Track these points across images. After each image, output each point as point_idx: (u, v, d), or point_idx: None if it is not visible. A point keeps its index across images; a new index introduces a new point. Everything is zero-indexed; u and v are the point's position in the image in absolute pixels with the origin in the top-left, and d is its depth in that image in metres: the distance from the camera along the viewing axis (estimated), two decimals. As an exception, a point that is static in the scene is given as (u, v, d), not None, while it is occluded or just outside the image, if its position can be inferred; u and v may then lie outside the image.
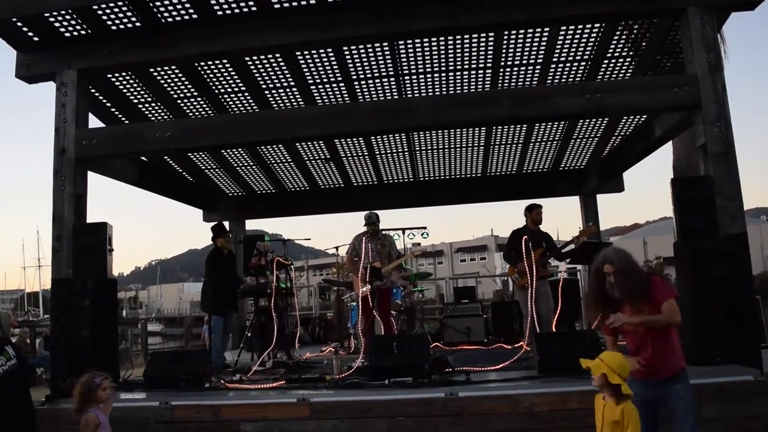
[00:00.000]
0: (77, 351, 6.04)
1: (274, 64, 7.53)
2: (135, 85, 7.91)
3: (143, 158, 9.22)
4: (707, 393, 4.70)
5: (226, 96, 8.29)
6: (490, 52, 7.46)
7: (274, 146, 9.78)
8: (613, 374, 3.42)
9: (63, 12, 6.19)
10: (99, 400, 4.46)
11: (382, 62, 7.59)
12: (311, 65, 7.58)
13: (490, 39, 7.17)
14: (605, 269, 3.84)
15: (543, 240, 8.18)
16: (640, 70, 7.73)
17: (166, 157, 9.88)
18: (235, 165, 10.63)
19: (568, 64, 7.78)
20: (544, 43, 7.30)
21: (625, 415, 3.40)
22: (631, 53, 7.57)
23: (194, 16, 6.34)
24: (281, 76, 7.82)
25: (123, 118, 8.49)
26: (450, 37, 7.10)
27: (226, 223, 10.12)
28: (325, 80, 7.94)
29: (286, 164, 10.76)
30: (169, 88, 8.05)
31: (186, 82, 7.92)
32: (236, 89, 8.12)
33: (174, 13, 6.31)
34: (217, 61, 7.39)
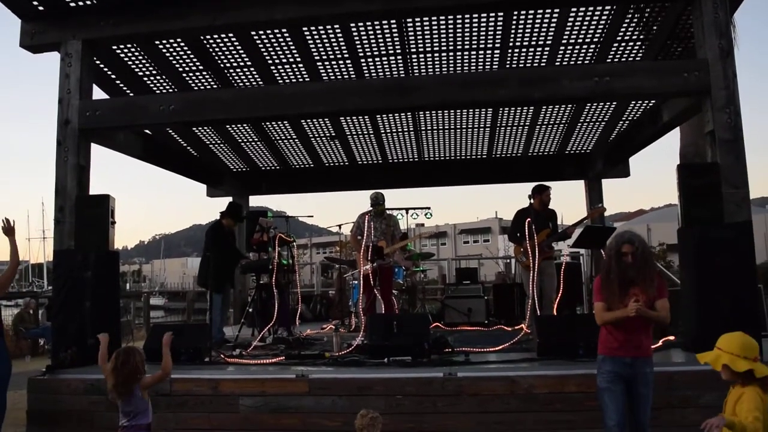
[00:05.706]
0: (78, 322, 6.06)
1: (281, 39, 7.45)
2: (140, 57, 7.84)
3: (147, 131, 9.19)
4: (708, 380, 4.67)
5: (231, 70, 8.22)
6: (499, 32, 7.37)
7: (279, 122, 9.73)
8: (737, 360, 2.91)
9: (68, -19, 6.14)
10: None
11: (389, 40, 7.50)
12: (318, 41, 7.50)
13: (499, 18, 7.07)
14: (624, 248, 3.89)
15: (549, 220, 8.16)
16: (650, 54, 7.63)
17: (170, 131, 9.84)
18: (240, 141, 10.59)
19: (577, 47, 7.68)
20: (553, 24, 7.20)
21: (745, 394, 2.88)
22: (641, 37, 7.47)
23: (201, -12, 6.29)
24: (287, 52, 7.74)
25: (127, 91, 8.43)
26: (458, 16, 7.01)
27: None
28: (332, 57, 7.86)
29: (290, 141, 10.71)
30: (174, 62, 7.97)
31: (191, 56, 7.85)
32: (242, 64, 8.04)
33: (180, -15, 6.25)
34: (224, 35, 7.31)
